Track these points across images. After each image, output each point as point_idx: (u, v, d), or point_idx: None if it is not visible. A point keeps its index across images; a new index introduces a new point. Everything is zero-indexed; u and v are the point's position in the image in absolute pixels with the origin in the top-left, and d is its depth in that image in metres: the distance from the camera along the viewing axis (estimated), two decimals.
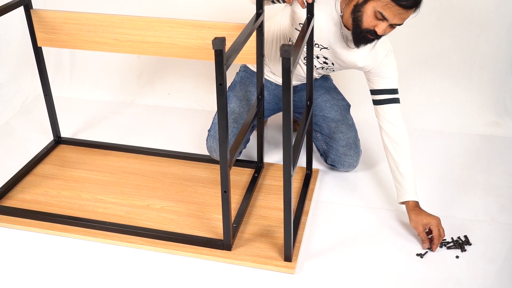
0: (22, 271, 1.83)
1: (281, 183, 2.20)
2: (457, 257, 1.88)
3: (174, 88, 2.99)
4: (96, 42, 2.13)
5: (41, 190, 2.18)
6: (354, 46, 1.94)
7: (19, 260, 1.87)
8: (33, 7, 2.14)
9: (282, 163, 2.36)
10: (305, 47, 1.96)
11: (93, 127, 2.70)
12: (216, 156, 2.26)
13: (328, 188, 2.24)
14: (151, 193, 2.17)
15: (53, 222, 1.99)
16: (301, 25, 2.01)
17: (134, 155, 2.40)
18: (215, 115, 2.28)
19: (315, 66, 2.16)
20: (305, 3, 1.83)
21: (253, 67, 2.36)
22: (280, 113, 2.55)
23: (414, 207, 1.95)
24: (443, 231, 1.90)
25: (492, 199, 2.18)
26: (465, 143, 2.56)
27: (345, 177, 2.31)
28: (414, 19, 2.54)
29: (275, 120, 2.71)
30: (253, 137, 2.44)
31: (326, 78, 2.40)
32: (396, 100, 2.03)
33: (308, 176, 2.25)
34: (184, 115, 2.83)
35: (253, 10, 1.92)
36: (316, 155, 2.40)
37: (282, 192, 1.69)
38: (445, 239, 1.94)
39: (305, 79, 2.25)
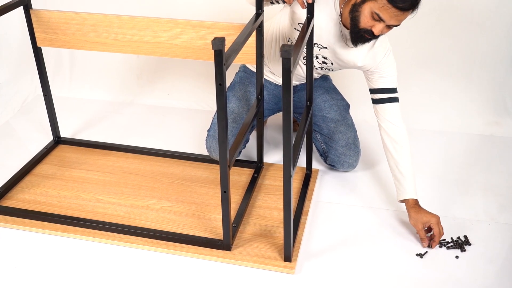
0: (22, 271, 1.83)
1: (281, 183, 2.20)
2: (457, 257, 1.88)
3: (173, 88, 2.99)
4: (96, 42, 2.13)
5: (40, 190, 2.18)
6: (353, 45, 1.95)
7: (19, 260, 1.87)
8: (33, 7, 2.14)
9: (281, 163, 2.36)
10: (305, 47, 1.96)
11: (92, 127, 2.70)
12: (216, 156, 2.26)
13: (328, 188, 2.24)
14: (150, 193, 2.17)
15: (53, 222, 1.99)
16: (301, 25, 2.02)
17: (133, 155, 2.40)
18: (214, 115, 2.28)
19: (314, 66, 2.16)
20: (305, 4, 1.83)
21: (253, 67, 2.36)
22: (280, 113, 2.55)
23: (413, 205, 1.95)
24: (442, 229, 1.91)
25: (492, 199, 2.18)
26: (465, 143, 2.56)
27: (344, 177, 2.31)
28: (414, 19, 2.54)
29: (274, 120, 2.71)
30: (253, 137, 2.44)
31: (325, 78, 2.40)
32: (396, 99, 2.04)
33: (308, 176, 2.25)
34: (184, 115, 2.83)
35: (252, 10, 1.92)
36: (315, 155, 2.40)
37: (282, 192, 1.69)
38: (444, 239, 1.94)
39: (305, 79, 2.25)
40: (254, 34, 1.93)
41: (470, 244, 1.93)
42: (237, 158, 2.31)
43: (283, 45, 1.45)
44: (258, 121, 2.17)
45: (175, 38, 2.05)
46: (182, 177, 2.26)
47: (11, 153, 2.48)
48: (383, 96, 2.04)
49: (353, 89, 2.74)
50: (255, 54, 1.99)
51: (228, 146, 1.67)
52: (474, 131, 2.65)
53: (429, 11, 2.63)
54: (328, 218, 2.07)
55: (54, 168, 2.32)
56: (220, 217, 1.94)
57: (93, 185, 2.21)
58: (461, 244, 1.92)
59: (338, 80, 2.65)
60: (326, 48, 2.05)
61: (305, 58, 2.13)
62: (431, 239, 1.91)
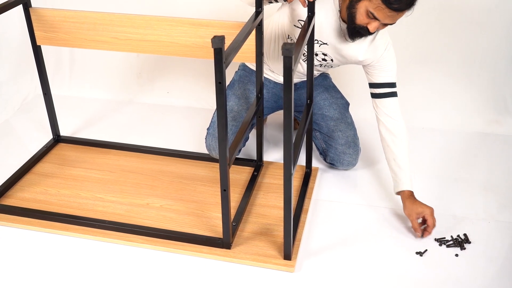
0: (21, 270, 1.83)
1: (281, 182, 2.20)
2: (456, 255, 1.88)
3: (173, 87, 2.99)
4: (96, 41, 2.13)
5: (40, 188, 2.18)
6: (350, 40, 1.96)
7: (18, 259, 1.87)
8: (32, 6, 2.14)
9: (281, 161, 2.37)
10: (305, 45, 1.96)
11: (92, 126, 2.70)
12: (216, 154, 2.26)
13: (328, 186, 2.24)
14: (150, 192, 2.17)
15: (53, 221, 1.99)
16: (300, 22, 2.02)
17: (133, 154, 2.40)
18: (214, 113, 2.28)
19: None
20: (306, 2, 1.83)
21: (252, 66, 2.36)
22: (279, 112, 2.55)
23: (409, 196, 1.98)
24: (435, 221, 1.93)
25: (492, 197, 2.18)
26: (465, 141, 2.56)
27: (344, 176, 2.31)
28: (414, 18, 2.54)
29: (274, 119, 2.71)
30: (253, 135, 2.44)
31: (325, 77, 2.40)
32: (395, 94, 2.05)
33: (308, 175, 2.25)
34: (184, 113, 2.82)
35: (252, 9, 1.92)
36: (315, 154, 2.40)
37: (282, 191, 1.69)
38: (444, 237, 1.94)
39: (305, 76, 2.25)
40: (254, 32, 1.93)
41: (470, 242, 1.93)
42: (236, 156, 2.31)
43: (285, 44, 1.45)
44: (258, 120, 2.17)
45: (175, 36, 2.05)
46: (182, 176, 2.26)
47: (11, 152, 2.48)
48: (383, 90, 2.05)
49: (352, 87, 2.74)
50: (254, 53, 1.99)
51: (227, 144, 1.67)
52: (474, 129, 2.65)
53: (429, 10, 2.63)
54: (327, 217, 2.07)
55: (53, 166, 2.32)
56: (220, 215, 1.94)
57: (92, 183, 2.21)
58: (461, 242, 1.92)
59: (338, 78, 2.65)
60: (326, 44, 2.05)
61: (305, 55, 2.13)
62: (424, 230, 1.93)
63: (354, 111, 2.45)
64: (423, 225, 1.95)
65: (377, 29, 1.87)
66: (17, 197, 2.13)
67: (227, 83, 2.38)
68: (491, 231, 2.00)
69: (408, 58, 2.73)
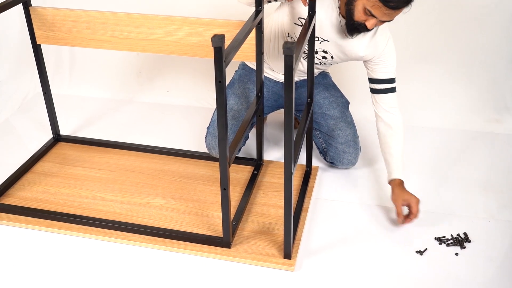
0: (22, 269, 1.83)
1: (281, 181, 2.20)
2: (456, 254, 1.88)
3: (173, 86, 2.99)
4: (95, 40, 2.13)
5: (40, 188, 2.18)
6: (349, 36, 1.97)
7: (18, 258, 1.87)
8: (32, 5, 2.14)
9: (281, 160, 2.37)
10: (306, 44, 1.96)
11: (92, 125, 2.70)
12: (216, 153, 2.26)
13: (328, 185, 2.24)
14: (150, 191, 2.17)
15: (53, 220, 1.99)
16: (300, 19, 2.03)
17: (133, 153, 2.40)
18: (214, 112, 2.28)
19: None
20: (307, 0, 1.84)
21: (252, 65, 2.36)
22: (279, 111, 2.55)
23: (399, 184, 2.01)
24: (419, 212, 1.96)
25: (491, 196, 2.18)
26: (465, 140, 2.56)
27: (344, 174, 2.31)
28: (414, 17, 2.54)
29: (274, 118, 2.71)
30: (253, 134, 2.44)
31: (325, 75, 2.40)
32: (394, 89, 2.08)
33: (308, 174, 2.25)
34: (184, 112, 2.82)
35: (251, 9, 1.92)
36: (315, 153, 2.40)
37: (282, 190, 1.69)
38: (444, 236, 1.95)
39: (304, 74, 2.25)
40: (254, 31, 1.92)
41: (469, 241, 1.94)
42: (236, 155, 2.31)
43: (286, 42, 1.45)
44: (258, 119, 2.17)
45: (175, 35, 2.05)
46: (182, 175, 2.26)
47: (10, 151, 2.48)
48: (382, 86, 2.07)
49: (352, 86, 2.74)
50: (254, 51, 1.99)
51: (227, 143, 1.67)
52: (474, 128, 2.65)
53: (429, 9, 2.63)
54: (327, 215, 2.07)
55: (53, 165, 2.32)
56: (220, 214, 1.94)
57: (93, 182, 2.21)
58: (460, 241, 1.92)
59: (338, 77, 2.65)
60: (327, 41, 2.06)
61: (305, 53, 2.13)
62: (407, 217, 1.96)
63: (354, 110, 2.45)
64: (408, 217, 1.97)
65: (375, 26, 1.88)
66: (17, 196, 2.13)
67: (227, 82, 2.38)
68: (491, 230, 2.00)
69: (408, 57, 2.73)
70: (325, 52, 2.10)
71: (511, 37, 2.66)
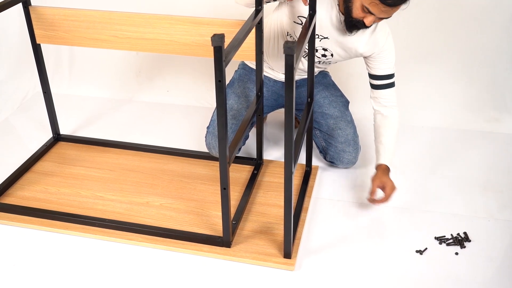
0: (21, 268, 1.83)
1: (281, 180, 2.20)
2: (456, 253, 1.88)
3: (173, 85, 2.99)
4: (95, 39, 2.13)
5: (40, 187, 2.18)
6: (348, 33, 1.99)
7: (18, 258, 1.87)
8: (32, 4, 2.14)
9: (281, 160, 2.36)
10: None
11: (92, 124, 2.70)
12: (215, 153, 2.26)
13: (328, 185, 2.24)
14: (150, 190, 2.17)
15: (52, 219, 1.99)
16: (300, 18, 2.03)
17: (133, 152, 2.40)
18: (214, 112, 2.28)
19: None
20: (308, 0, 1.84)
21: (252, 64, 2.36)
22: (279, 110, 2.55)
23: (384, 169, 2.04)
24: (391, 198, 1.99)
25: (491, 196, 2.18)
26: (465, 140, 2.56)
27: (344, 174, 2.31)
28: (414, 17, 2.55)
29: (274, 117, 2.71)
30: (253, 134, 2.44)
31: (325, 75, 2.40)
32: (392, 84, 2.11)
33: (308, 173, 2.25)
34: (183, 112, 2.82)
35: (250, 9, 1.92)
36: (315, 152, 2.40)
37: (282, 189, 1.69)
38: (444, 236, 1.94)
39: (304, 73, 2.26)
40: (253, 30, 1.92)
41: (469, 241, 1.93)
42: (236, 155, 2.31)
43: (286, 42, 1.45)
44: (258, 118, 2.17)
45: (175, 34, 2.04)
46: (181, 174, 2.26)
47: (10, 150, 2.48)
48: (382, 82, 2.10)
49: (352, 85, 2.74)
50: (254, 51, 1.99)
51: (227, 143, 1.67)
52: (474, 128, 2.64)
53: (429, 8, 2.62)
54: (327, 215, 2.07)
55: (53, 165, 2.32)
56: (220, 214, 1.94)
57: (92, 182, 2.21)
58: (460, 240, 1.92)
59: (338, 76, 2.65)
60: (327, 38, 2.06)
61: (305, 51, 2.13)
62: (378, 200, 2.00)
63: (354, 109, 2.45)
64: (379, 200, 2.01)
65: (374, 23, 1.91)
66: (17, 196, 2.13)
67: (227, 81, 2.38)
68: (491, 229, 2.00)
69: (408, 57, 2.73)
70: (325, 50, 2.11)
71: (511, 37, 2.65)
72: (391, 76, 2.10)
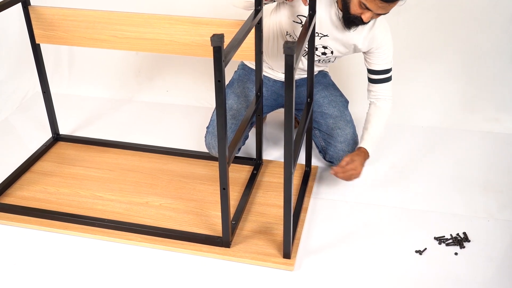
0: (21, 268, 1.83)
1: (280, 180, 2.20)
2: (456, 254, 1.88)
3: (172, 85, 2.99)
4: (95, 39, 2.13)
5: (39, 187, 2.18)
6: (346, 29, 2.01)
7: (18, 258, 1.87)
8: (31, 4, 2.14)
9: (280, 160, 2.36)
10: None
11: (91, 124, 2.70)
12: (215, 153, 2.26)
13: (327, 185, 2.24)
14: (149, 190, 2.17)
15: (52, 219, 1.99)
16: (299, 17, 2.04)
17: (132, 152, 2.40)
18: (213, 112, 2.28)
19: None
20: (308, 0, 1.84)
21: (251, 65, 2.36)
22: (279, 110, 2.54)
23: (362, 151, 2.09)
24: (347, 171, 2.01)
25: (491, 196, 2.18)
26: (465, 139, 2.56)
27: None
28: (414, 15, 2.54)
29: (274, 117, 2.71)
30: (252, 134, 2.44)
31: (324, 75, 2.40)
32: (389, 79, 2.15)
33: (307, 173, 2.25)
34: (183, 112, 2.82)
35: (247, 12, 1.92)
36: (315, 152, 2.40)
37: (281, 189, 1.69)
38: (444, 236, 1.94)
39: (304, 72, 2.26)
40: (253, 30, 1.92)
41: (469, 241, 1.93)
42: (236, 155, 2.30)
43: (286, 42, 1.45)
44: (257, 118, 2.17)
45: (174, 34, 2.04)
46: (181, 174, 2.26)
47: (10, 150, 2.48)
48: (379, 77, 2.13)
49: (352, 85, 2.73)
50: (254, 51, 1.98)
51: (227, 143, 1.67)
52: (473, 127, 2.64)
53: (429, 8, 2.62)
54: (327, 215, 2.07)
55: (53, 165, 2.32)
56: (219, 214, 1.93)
57: (92, 182, 2.21)
58: (460, 240, 1.92)
59: (337, 76, 2.65)
60: (327, 36, 2.07)
61: (304, 50, 2.13)
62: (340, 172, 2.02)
63: (353, 109, 2.45)
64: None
65: (371, 19, 1.92)
66: (16, 196, 2.13)
67: (227, 81, 2.38)
68: (491, 229, 2.00)
69: (408, 57, 2.73)
70: (324, 47, 2.11)
71: (511, 37, 2.65)
72: (388, 71, 2.13)
